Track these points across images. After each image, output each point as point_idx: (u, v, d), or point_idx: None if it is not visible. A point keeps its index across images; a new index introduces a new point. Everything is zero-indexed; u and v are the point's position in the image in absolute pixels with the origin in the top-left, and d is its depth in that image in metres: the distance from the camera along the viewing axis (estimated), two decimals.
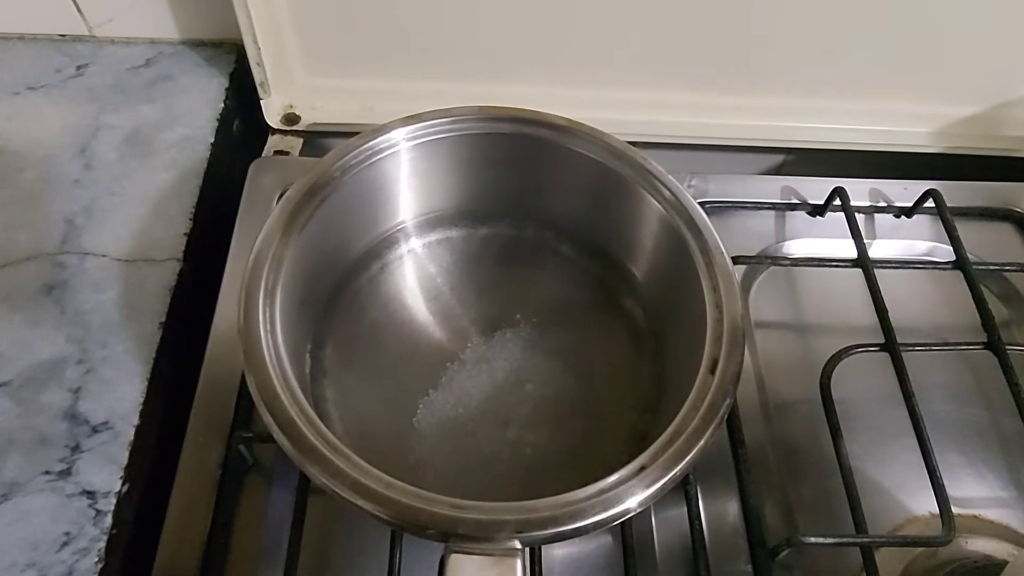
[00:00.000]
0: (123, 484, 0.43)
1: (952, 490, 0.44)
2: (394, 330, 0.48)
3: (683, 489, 0.43)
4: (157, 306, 0.50)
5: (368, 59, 0.60)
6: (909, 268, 0.56)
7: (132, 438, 0.45)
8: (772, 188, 0.61)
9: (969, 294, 0.52)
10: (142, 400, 0.46)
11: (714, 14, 0.56)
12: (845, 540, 0.43)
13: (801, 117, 0.64)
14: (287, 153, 0.61)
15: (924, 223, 0.60)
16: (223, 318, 0.50)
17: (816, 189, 0.60)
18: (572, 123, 0.45)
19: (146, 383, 0.47)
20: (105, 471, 0.44)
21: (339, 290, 0.48)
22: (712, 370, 0.37)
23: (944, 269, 0.54)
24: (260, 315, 0.36)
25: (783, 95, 0.62)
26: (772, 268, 0.57)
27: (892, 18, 0.57)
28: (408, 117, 0.44)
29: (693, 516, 0.43)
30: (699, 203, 0.44)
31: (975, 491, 0.49)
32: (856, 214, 0.56)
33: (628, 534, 0.41)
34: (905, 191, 0.61)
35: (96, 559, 0.41)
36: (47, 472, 0.43)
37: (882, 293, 0.51)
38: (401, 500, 0.32)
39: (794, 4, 0.56)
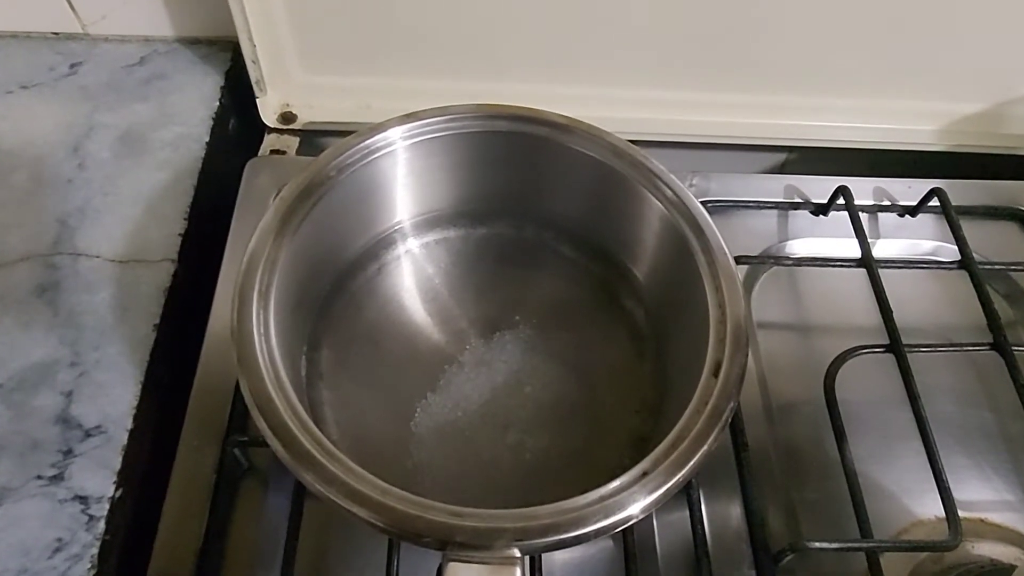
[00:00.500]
0: (116, 489, 0.43)
1: (958, 493, 0.43)
2: (391, 332, 0.47)
3: (685, 493, 0.43)
4: (151, 308, 0.49)
5: (365, 57, 0.59)
6: (913, 268, 0.55)
7: (125, 442, 0.44)
8: (775, 187, 0.60)
9: (974, 294, 0.51)
10: (136, 403, 0.46)
11: (716, 11, 0.56)
12: (850, 545, 0.42)
13: (804, 115, 0.63)
14: (283, 152, 0.60)
15: (928, 222, 0.59)
16: (218, 320, 0.49)
17: (819, 188, 0.59)
18: (572, 121, 0.44)
19: (140, 386, 0.46)
20: (98, 476, 0.43)
21: (335, 291, 0.47)
22: (715, 373, 0.36)
23: (949, 269, 0.54)
24: (254, 317, 0.36)
25: (786, 93, 0.62)
26: (775, 268, 0.56)
27: (896, 15, 0.56)
28: (405, 116, 0.44)
29: (695, 520, 0.43)
30: (701, 202, 0.43)
31: (981, 494, 0.48)
32: (860, 213, 0.56)
33: (630, 539, 0.41)
34: (909, 190, 0.60)
35: (89, 565, 0.40)
36: (39, 477, 0.43)
37: (886, 293, 0.51)
38: (397, 507, 0.31)
39: (798, 3, 0.55)
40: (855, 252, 0.53)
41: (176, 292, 0.50)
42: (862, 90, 0.62)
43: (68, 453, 0.44)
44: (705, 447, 0.34)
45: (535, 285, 0.50)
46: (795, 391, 0.51)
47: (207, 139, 0.58)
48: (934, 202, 0.57)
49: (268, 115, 0.60)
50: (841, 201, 0.57)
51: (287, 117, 0.61)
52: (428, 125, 0.44)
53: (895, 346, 0.48)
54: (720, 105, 0.62)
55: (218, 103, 0.60)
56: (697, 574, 0.41)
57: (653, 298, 0.48)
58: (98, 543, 0.41)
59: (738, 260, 0.49)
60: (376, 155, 0.43)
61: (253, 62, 0.56)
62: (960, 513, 0.42)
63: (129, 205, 0.53)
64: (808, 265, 0.54)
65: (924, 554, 0.45)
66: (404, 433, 0.43)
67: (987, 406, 0.51)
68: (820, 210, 0.58)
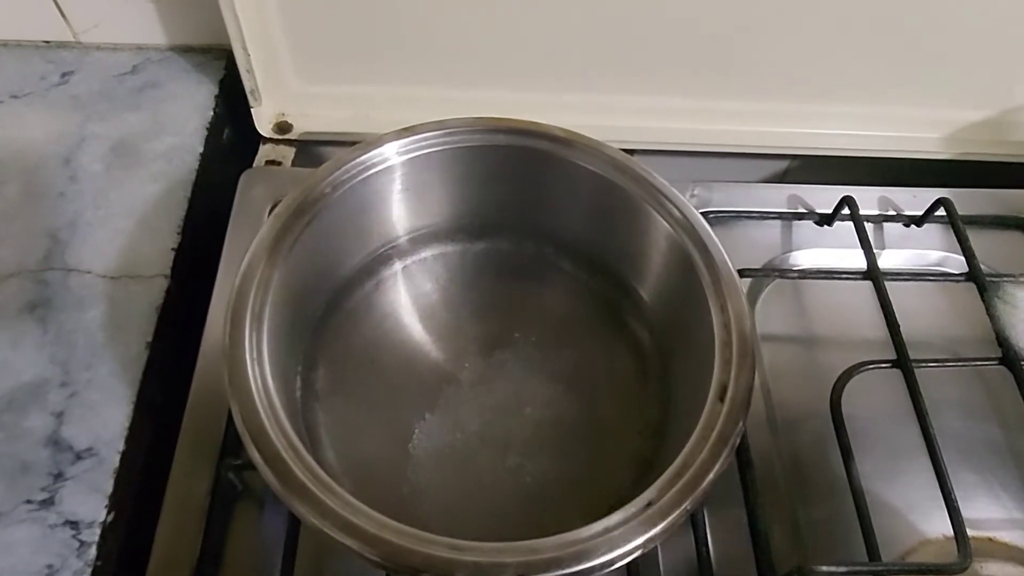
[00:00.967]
0: (108, 513, 0.42)
1: (965, 511, 0.42)
2: (388, 350, 0.46)
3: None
4: (143, 325, 0.48)
5: (362, 65, 0.58)
6: (920, 280, 0.54)
7: (117, 465, 0.43)
8: (778, 197, 0.59)
9: (982, 306, 0.51)
10: (128, 425, 0.45)
11: (718, 17, 0.55)
12: (858, 569, 0.41)
13: (807, 123, 0.62)
14: (279, 163, 0.59)
15: (935, 232, 0.58)
16: (212, 337, 0.48)
17: (823, 198, 0.58)
18: (571, 134, 0.43)
19: (132, 407, 0.45)
20: (89, 500, 0.42)
21: (331, 309, 0.46)
22: (721, 397, 0.35)
23: (956, 281, 0.53)
24: (247, 342, 0.35)
25: (788, 100, 0.61)
26: (778, 280, 0.55)
27: (900, 21, 0.56)
28: (401, 130, 0.43)
29: (700, 541, 0.42)
30: (703, 213, 0.42)
31: (989, 512, 0.47)
32: (865, 223, 0.55)
33: (633, 561, 0.40)
34: (915, 199, 0.59)
35: None
36: (29, 501, 0.42)
37: (893, 307, 0.50)
38: (394, 541, 0.30)
39: (800, 8, 0.54)
40: (860, 263, 0.52)
41: (169, 309, 0.49)
42: (866, 97, 0.61)
43: (59, 476, 0.43)
44: (711, 475, 0.33)
45: (535, 301, 0.49)
46: (800, 405, 0.50)
47: (201, 150, 0.57)
48: (940, 212, 0.56)
49: (263, 125, 0.59)
50: (846, 211, 0.56)
51: (282, 127, 0.60)
52: (425, 140, 0.43)
53: (902, 361, 0.48)
54: (722, 113, 0.61)
55: (212, 112, 0.59)
56: None
57: (656, 316, 0.47)
58: (89, 569, 0.40)
59: (741, 273, 0.48)
60: (372, 171, 0.42)
61: (248, 71, 0.55)
62: (968, 532, 0.41)
63: (122, 219, 0.52)
64: (813, 278, 0.53)
65: None
66: (402, 456, 0.42)
67: (995, 421, 0.51)
68: (824, 220, 0.58)
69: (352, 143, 0.60)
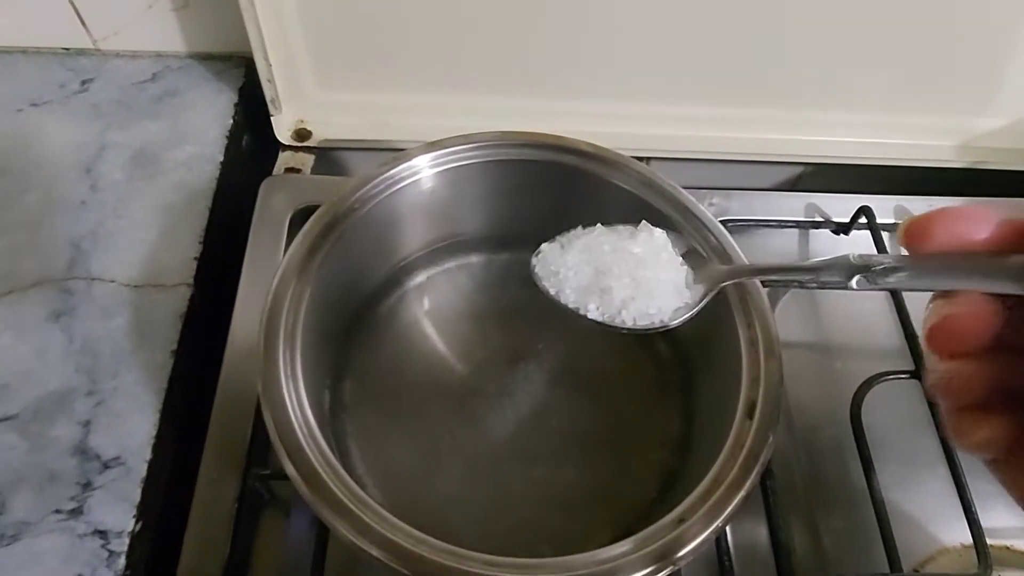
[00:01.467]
0: (136, 523, 0.42)
1: (983, 520, 0.43)
2: (414, 361, 0.46)
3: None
4: (168, 334, 0.48)
5: (381, 73, 0.58)
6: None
7: (145, 474, 0.44)
8: (795, 205, 0.59)
9: None
10: (154, 433, 0.45)
11: (735, 27, 0.55)
12: None
13: (822, 131, 0.62)
14: (299, 170, 0.60)
15: None
16: (235, 345, 0.48)
17: (840, 207, 0.58)
18: (598, 149, 0.44)
19: (158, 415, 0.46)
20: (117, 509, 0.42)
21: (357, 321, 0.46)
22: (750, 414, 0.35)
23: None
24: (280, 358, 0.35)
25: (803, 108, 0.61)
26: (796, 290, 0.55)
27: (916, 30, 0.56)
28: (428, 144, 0.43)
29: (722, 551, 0.42)
30: (721, 221, 0.43)
31: (1006, 521, 0.48)
32: (882, 232, 0.55)
33: None
34: (930, 207, 0.59)
35: None
36: (58, 511, 0.42)
37: (911, 317, 0.50)
38: (432, 558, 0.31)
39: (816, 16, 0.54)
40: None
41: (193, 317, 0.50)
42: (882, 106, 0.61)
43: (87, 486, 0.43)
44: (743, 492, 0.33)
45: (558, 313, 0.49)
46: (818, 415, 0.51)
47: (221, 158, 0.57)
48: None
49: (283, 133, 0.60)
50: (863, 220, 0.56)
51: (302, 134, 0.60)
52: (452, 154, 0.43)
53: (921, 372, 0.48)
54: (739, 121, 0.61)
55: (232, 121, 0.59)
56: None
57: (679, 329, 0.47)
58: None
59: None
60: (399, 185, 0.42)
61: (269, 81, 0.55)
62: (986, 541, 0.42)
63: (143, 228, 0.52)
64: (831, 288, 0.53)
65: None
66: (429, 467, 0.43)
67: None
68: (842, 229, 0.58)
69: (370, 150, 0.61)
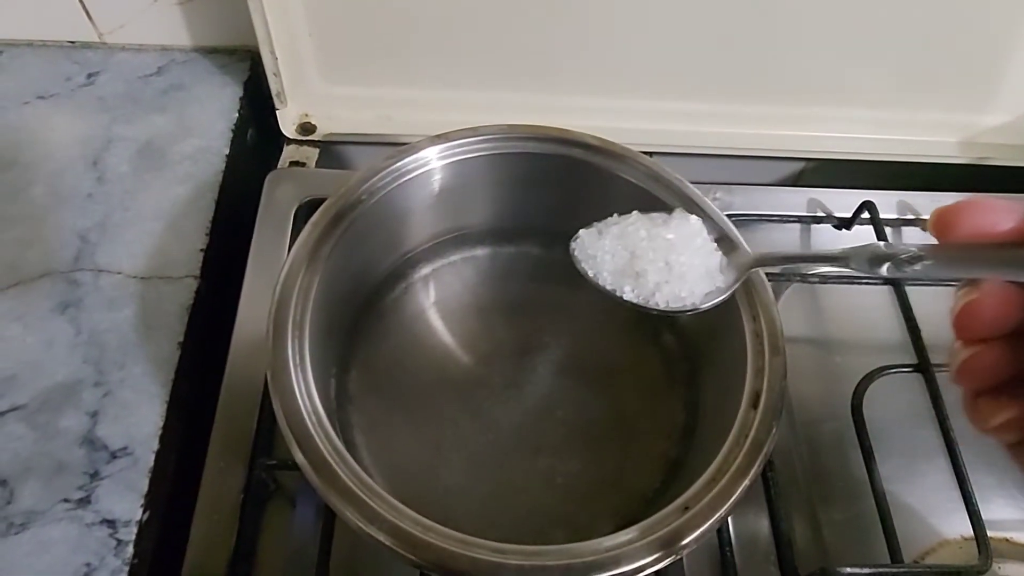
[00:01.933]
0: (144, 512, 0.43)
1: (983, 512, 0.43)
2: (420, 353, 0.46)
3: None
4: (175, 325, 0.49)
5: (385, 67, 0.58)
6: (941, 285, 0.54)
7: (152, 464, 0.44)
8: (798, 200, 0.60)
9: None
10: (161, 424, 0.45)
11: (737, 23, 0.55)
12: (882, 571, 0.42)
13: (825, 127, 0.63)
14: (303, 164, 0.60)
15: None
16: (241, 337, 0.49)
17: (843, 202, 0.59)
18: (604, 142, 0.44)
19: (165, 406, 0.46)
20: (125, 499, 0.43)
21: (363, 313, 0.46)
22: (755, 404, 0.36)
23: None
24: (289, 348, 0.35)
25: (806, 104, 0.61)
26: (798, 284, 0.56)
27: (919, 25, 0.56)
28: (435, 137, 0.43)
29: (724, 543, 0.43)
30: (724, 215, 0.43)
31: (1006, 513, 0.48)
32: (884, 227, 0.55)
33: None
34: (933, 203, 0.59)
35: None
36: (66, 500, 0.42)
37: (913, 311, 0.51)
38: (440, 545, 0.31)
39: (819, 13, 0.55)
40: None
41: (199, 309, 0.50)
42: (885, 101, 0.61)
43: (95, 476, 0.43)
44: (747, 480, 0.34)
45: (564, 305, 0.49)
46: (820, 408, 0.51)
47: (227, 151, 0.57)
48: None
49: (287, 126, 0.60)
50: (866, 215, 0.56)
51: (306, 128, 0.60)
52: (460, 146, 0.43)
53: (923, 366, 0.48)
54: (742, 117, 0.62)
55: (237, 114, 0.59)
56: None
57: (686, 322, 0.47)
58: (127, 568, 0.41)
59: None
60: (406, 177, 0.42)
61: (275, 75, 0.56)
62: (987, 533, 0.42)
63: (150, 220, 0.53)
64: (832, 282, 0.54)
65: None
66: (434, 457, 0.43)
67: None
68: (844, 224, 0.58)
69: (374, 144, 0.61)
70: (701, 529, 0.32)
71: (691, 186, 0.43)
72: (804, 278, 0.53)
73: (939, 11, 0.55)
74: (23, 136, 0.56)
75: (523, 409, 0.45)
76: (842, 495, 0.47)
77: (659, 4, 0.54)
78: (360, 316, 0.46)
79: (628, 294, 0.37)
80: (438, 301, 0.49)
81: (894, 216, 0.59)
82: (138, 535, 0.42)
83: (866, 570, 0.41)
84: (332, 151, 0.62)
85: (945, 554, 0.46)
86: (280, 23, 0.53)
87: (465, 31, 0.56)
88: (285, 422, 0.33)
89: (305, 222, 0.40)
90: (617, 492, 0.42)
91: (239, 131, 0.59)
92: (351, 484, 0.32)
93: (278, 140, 0.61)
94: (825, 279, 0.54)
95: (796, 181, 0.71)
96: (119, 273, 0.50)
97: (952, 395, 0.47)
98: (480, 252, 0.50)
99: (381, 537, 0.31)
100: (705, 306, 0.37)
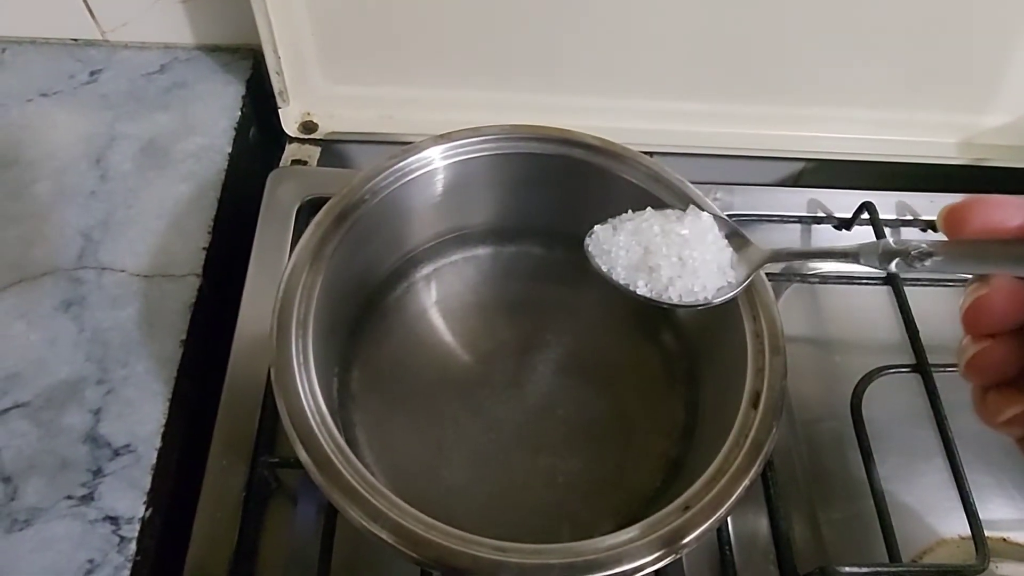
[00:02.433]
0: (146, 509, 0.43)
1: (980, 512, 0.43)
2: (421, 352, 0.47)
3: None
4: (178, 323, 0.49)
5: (387, 67, 0.59)
6: (939, 286, 0.55)
7: (154, 461, 0.44)
8: (798, 201, 0.60)
9: None
10: (164, 421, 0.45)
11: (737, 23, 0.56)
12: (880, 570, 0.42)
13: (825, 127, 0.63)
14: (305, 163, 0.60)
15: None
16: (244, 335, 0.49)
17: (842, 202, 0.59)
18: (606, 143, 0.44)
19: (167, 403, 0.46)
20: (128, 496, 0.43)
21: (365, 312, 0.47)
22: (755, 404, 0.36)
23: None
24: (293, 347, 0.36)
25: (807, 104, 0.62)
26: (798, 284, 0.56)
27: (918, 26, 0.56)
28: (437, 136, 0.43)
29: (723, 542, 0.43)
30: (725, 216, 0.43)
31: (1003, 513, 0.48)
32: (884, 227, 0.56)
33: None
34: (932, 204, 0.60)
35: None
36: (69, 497, 0.43)
37: (912, 312, 0.51)
38: (442, 543, 0.31)
39: (819, 14, 0.55)
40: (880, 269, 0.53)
41: (202, 307, 0.50)
42: (884, 102, 0.62)
43: (97, 472, 0.43)
44: (747, 480, 0.34)
45: (565, 304, 0.50)
46: (819, 408, 0.51)
47: (229, 150, 0.57)
48: None
49: (289, 125, 0.60)
50: (865, 216, 0.57)
51: (308, 127, 0.61)
52: (462, 146, 0.43)
53: (922, 366, 0.49)
54: (741, 117, 0.62)
55: (239, 112, 0.59)
56: None
57: (685, 320, 0.47)
58: (129, 564, 0.41)
59: None
60: (409, 177, 0.43)
61: (278, 73, 0.56)
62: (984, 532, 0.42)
63: (153, 218, 0.53)
64: (833, 283, 0.54)
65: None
66: (436, 456, 0.43)
67: None
68: (844, 224, 0.58)
69: (376, 143, 0.62)
70: (701, 528, 0.33)
71: (692, 186, 0.43)
72: (804, 278, 0.54)
73: (939, 12, 0.55)
74: (26, 134, 0.56)
75: (524, 408, 0.45)
76: (841, 495, 0.48)
77: (660, 4, 0.54)
78: (362, 315, 0.47)
79: (642, 288, 0.38)
80: (440, 300, 0.49)
81: (893, 216, 0.59)
82: (141, 532, 0.42)
83: (864, 569, 0.41)
84: (334, 150, 0.62)
85: (943, 553, 0.46)
86: (283, 22, 0.53)
87: (467, 31, 0.56)
88: (289, 420, 0.33)
89: (307, 220, 0.41)
90: (618, 491, 0.42)
91: (241, 129, 0.59)
92: (354, 482, 0.32)
93: (280, 139, 0.61)
94: (825, 279, 0.54)
95: (796, 181, 0.71)
96: (122, 271, 0.51)
97: (950, 395, 0.47)
98: (482, 251, 0.50)
99: (383, 535, 0.31)
100: (717, 300, 0.37)
